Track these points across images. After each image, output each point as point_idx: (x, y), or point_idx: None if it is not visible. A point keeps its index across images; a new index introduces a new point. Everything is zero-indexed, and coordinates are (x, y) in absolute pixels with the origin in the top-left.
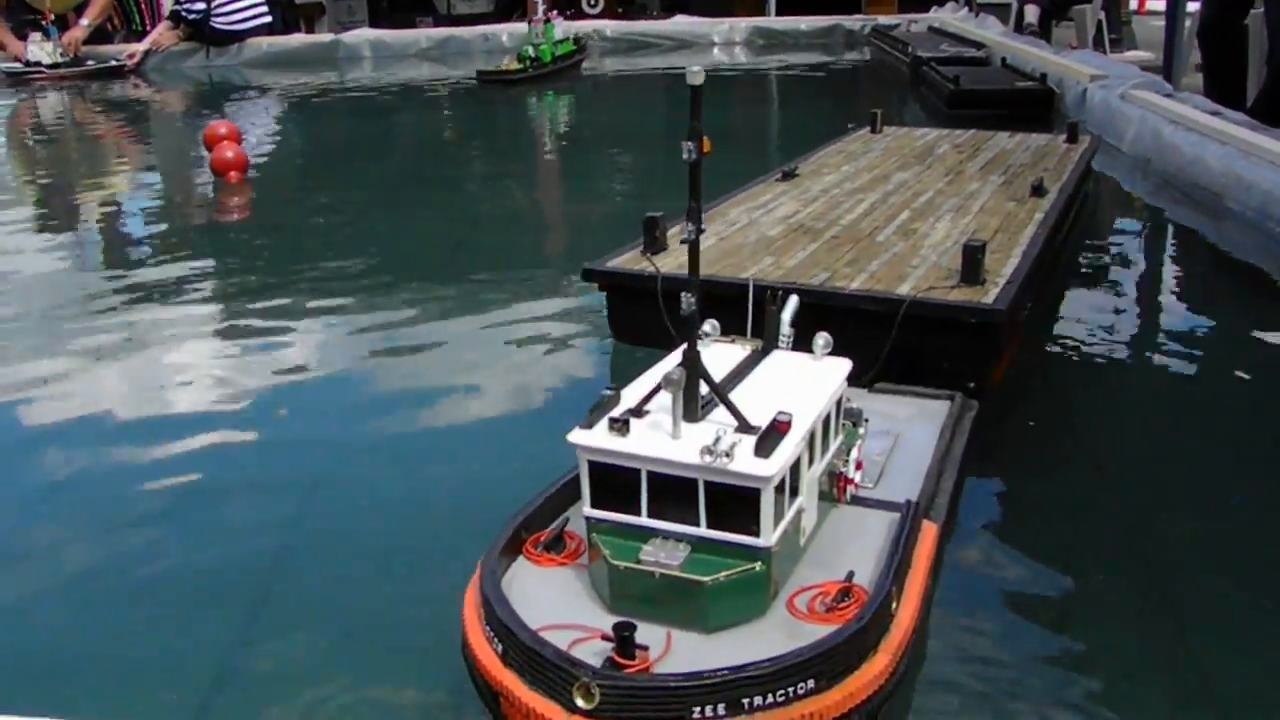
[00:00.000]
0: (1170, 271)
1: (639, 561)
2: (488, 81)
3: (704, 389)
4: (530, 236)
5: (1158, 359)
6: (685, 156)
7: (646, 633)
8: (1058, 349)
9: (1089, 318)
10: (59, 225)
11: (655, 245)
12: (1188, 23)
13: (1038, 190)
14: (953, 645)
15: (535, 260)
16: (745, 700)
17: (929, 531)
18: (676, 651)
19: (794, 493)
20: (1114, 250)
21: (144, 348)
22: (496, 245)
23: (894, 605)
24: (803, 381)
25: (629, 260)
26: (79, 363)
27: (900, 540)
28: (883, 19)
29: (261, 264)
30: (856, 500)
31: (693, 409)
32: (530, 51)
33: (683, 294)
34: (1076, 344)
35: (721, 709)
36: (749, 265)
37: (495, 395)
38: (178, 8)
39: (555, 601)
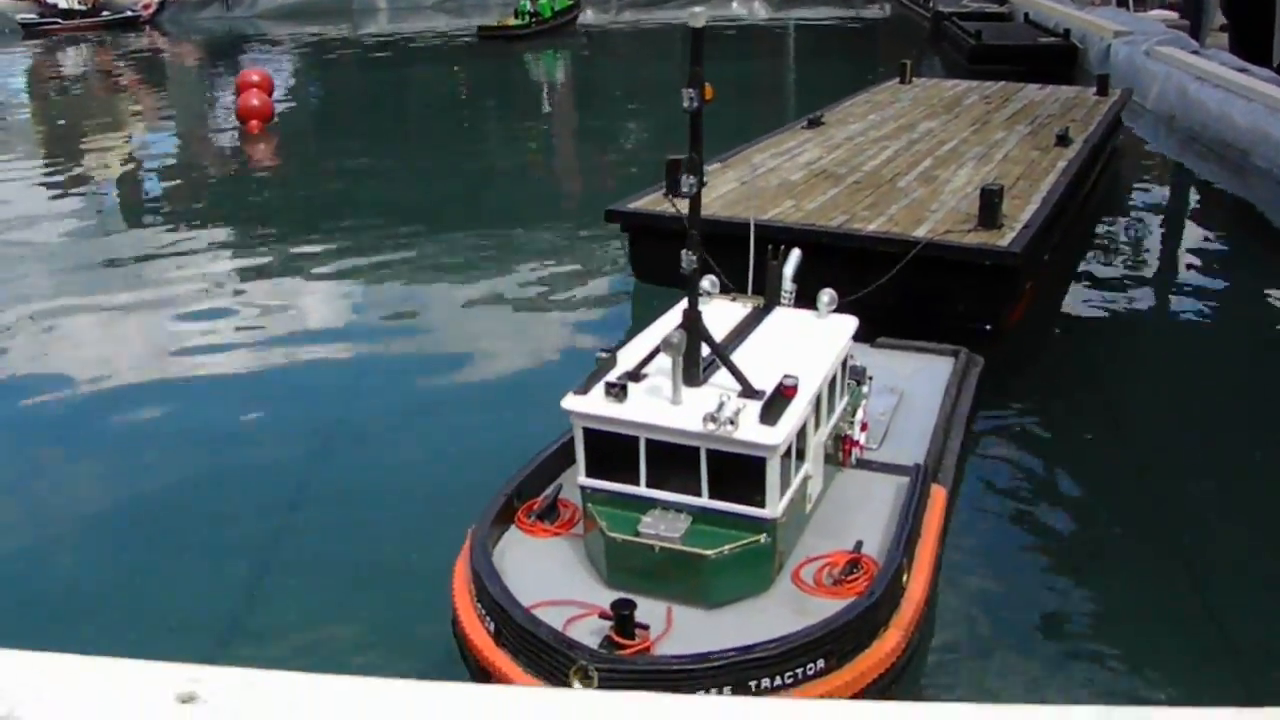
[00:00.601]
0: (1194, 227)
1: (638, 534)
2: (489, 37)
3: (705, 350)
4: (548, 184)
5: (1179, 313)
6: (686, 104)
7: (646, 608)
8: (1078, 298)
9: (1111, 269)
10: (81, 174)
11: (677, 187)
12: None
13: (1063, 140)
14: (965, 611)
15: (554, 205)
16: (751, 683)
17: (938, 496)
18: (678, 629)
19: (800, 459)
20: (1139, 204)
21: (161, 295)
22: (515, 193)
23: (905, 577)
24: (807, 341)
25: (651, 202)
26: (99, 309)
27: (910, 508)
28: None
29: (281, 214)
30: (862, 464)
31: (694, 373)
32: (528, 6)
33: (683, 251)
34: (1098, 294)
35: (727, 692)
36: (769, 208)
37: (520, 336)
38: None
39: (549, 575)
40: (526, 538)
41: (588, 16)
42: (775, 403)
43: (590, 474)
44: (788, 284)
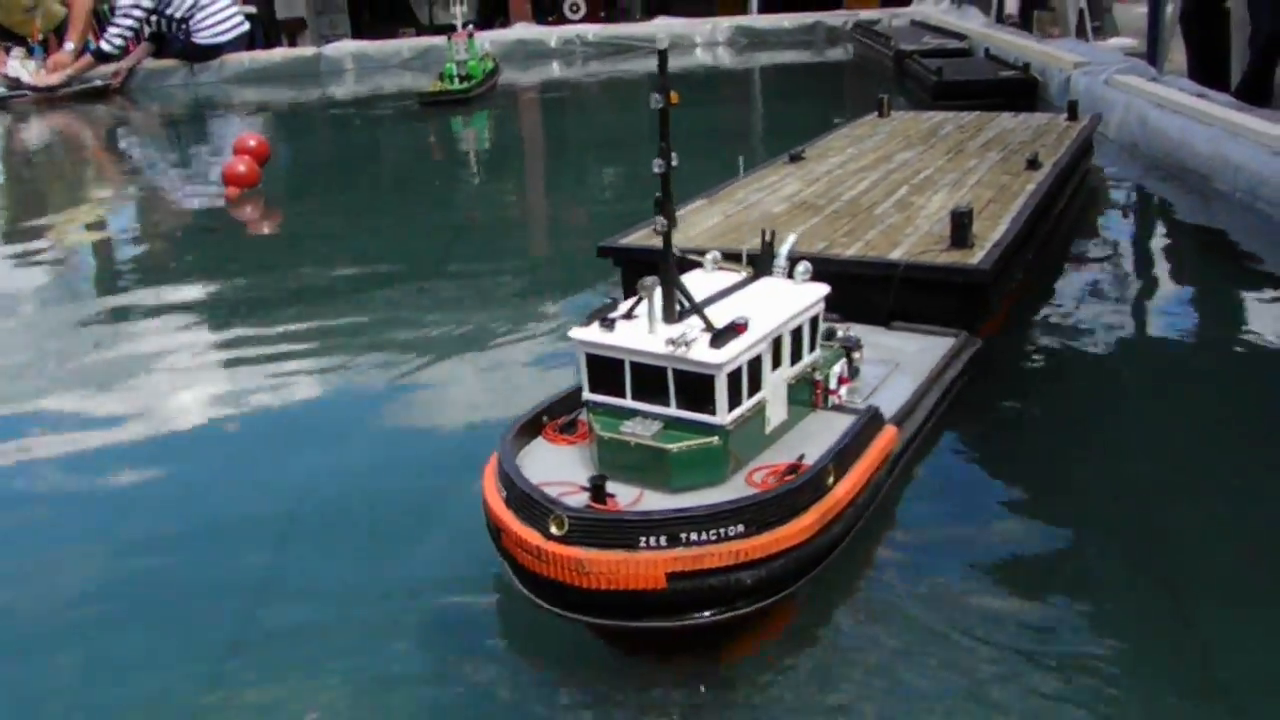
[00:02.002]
0: (1161, 249)
1: (620, 433)
2: (433, 104)
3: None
4: (525, 233)
5: (1152, 331)
6: (654, 105)
7: (624, 492)
8: (1051, 318)
9: (1081, 293)
10: (53, 246)
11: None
12: (1170, 8)
13: (1033, 164)
14: (913, 540)
15: (535, 251)
16: (683, 535)
17: (888, 432)
18: (645, 504)
19: (755, 387)
20: (1104, 235)
21: (135, 362)
22: (494, 243)
23: (829, 479)
24: (777, 300)
25: (642, 237)
26: (74, 373)
27: (850, 432)
28: (864, 14)
29: (259, 280)
30: (835, 408)
31: (670, 312)
32: (454, 70)
33: (657, 217)
34: (1071, 314)
35: (664, 540)
36: (749, 240)
37: (514, 377)
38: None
39: (558, 467)
40: (549, 445)
41: (552, 70)
42: (726, 334)
43: (591, 390)
44: (782, 260)
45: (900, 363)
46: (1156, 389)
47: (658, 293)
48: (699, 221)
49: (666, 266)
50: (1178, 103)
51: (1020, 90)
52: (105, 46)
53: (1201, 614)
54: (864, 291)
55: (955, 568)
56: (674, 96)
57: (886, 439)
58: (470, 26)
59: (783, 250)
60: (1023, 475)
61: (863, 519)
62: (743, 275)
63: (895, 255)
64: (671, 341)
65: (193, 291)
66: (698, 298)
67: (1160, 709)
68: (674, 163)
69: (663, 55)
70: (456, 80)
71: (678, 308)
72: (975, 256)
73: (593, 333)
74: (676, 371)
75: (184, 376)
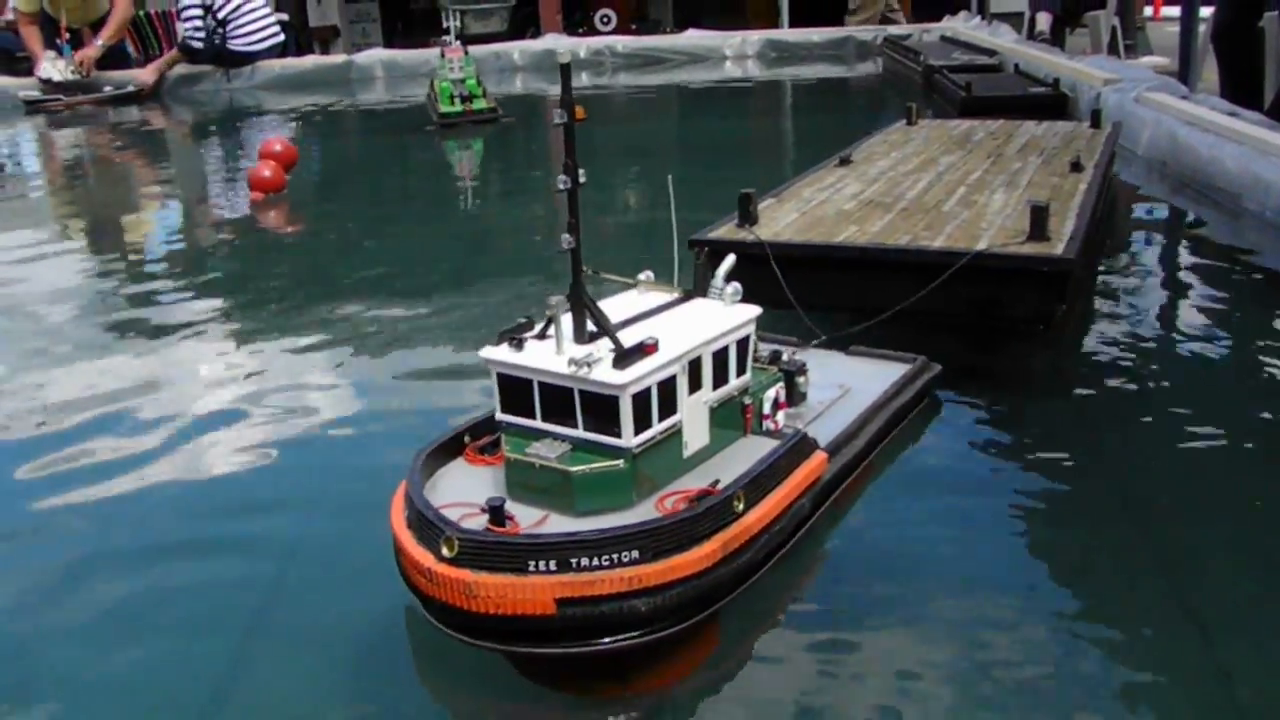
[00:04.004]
0: (1187, 269)
1: (525, 455)
2: (455, 123)
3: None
4: (544, 246)
5: (1174, 347)
6: (556, 120)
7: (531, 516)
8: (1060, 335)
9: (1102, 306)
10: (86, 248)
11: (750, 218)
12: (1202, 26)
13: (1076, 167)
14: (849, 568)
15: (555, 266)
16: (573, 560)
17: (816, 459)
18: (548, 527)
19: (669, 410)
20: (1130, 249)
21: (149, 364)
22: (512, 257)
23: (739, 505)
24: (700, 321)
25: (727, 231)
26: (76, 388)
27: (767, 459)
28: (895, 29)
29: (277, 285)
30: (768, 434)
31: (581, 332)
32: (451, 89)
33: (563, 235)
34: (1083, 330)
35: (553, 564)
36: (836, 233)
37: None
38: (187, 39)
39: (470, 489)
40: (468, 466)
41: (582, 80)
42: (631, 355)
43: (504, 411)
44: (719, 281)
45: (852, 388)
46: (1182, 414)
47: (566, 313)
48: (779, 217)
49: (576, 285)
50: (1208, 121)
51: (1050, 106)
52: (194, 44)
53: (1222, 639)
54: (950, 282)
55: (899, 597)
56: (580, 111)
57: (813, 465)
58: (459, 42)
59: (720, 271)
60: (985, 499)
61: (785, 547)
62: (673, 296)
63: (980, 247)
64: (574, 362)
65: (205, 304)
66: (618, 318)
67: None
68: (581, 179)
69: (565, 69)
70: (456, 100)
71: (591, 328)
72: (1057, 247)
73: (502, 352)
74: (582, 393)
75: (183, 378)
